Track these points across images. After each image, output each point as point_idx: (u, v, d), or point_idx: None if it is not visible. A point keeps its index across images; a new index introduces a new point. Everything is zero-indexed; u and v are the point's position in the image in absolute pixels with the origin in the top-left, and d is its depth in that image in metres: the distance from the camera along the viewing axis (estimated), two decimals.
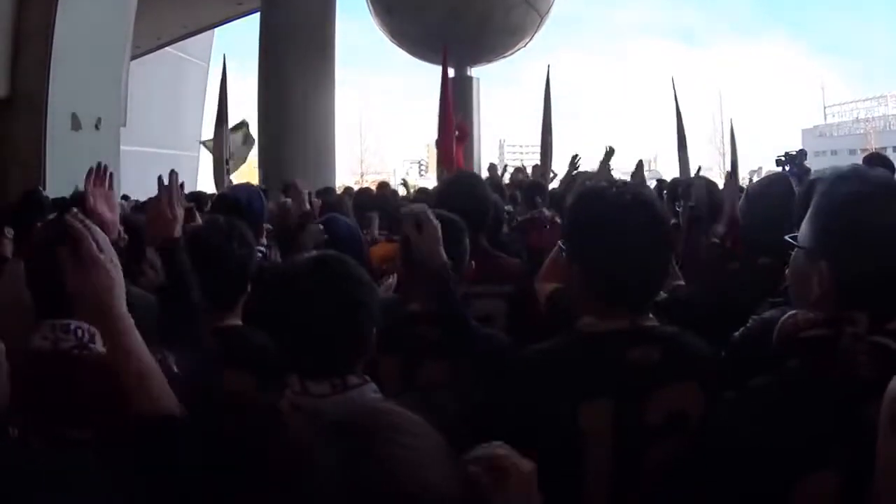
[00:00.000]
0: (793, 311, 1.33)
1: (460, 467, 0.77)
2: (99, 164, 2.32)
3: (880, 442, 0.94)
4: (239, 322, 2.12)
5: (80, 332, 1.69)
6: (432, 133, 8.93)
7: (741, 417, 1.24)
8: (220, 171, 8.93)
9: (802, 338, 1.23)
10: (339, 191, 7.77)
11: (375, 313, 1.51)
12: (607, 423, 1.45)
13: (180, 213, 2.09)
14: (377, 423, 0.71)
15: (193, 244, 2.12)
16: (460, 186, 2.79)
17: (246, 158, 10.51)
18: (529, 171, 7.98)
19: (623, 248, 1.51)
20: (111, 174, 2.33)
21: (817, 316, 1.21)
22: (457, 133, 10.83)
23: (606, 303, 1.56)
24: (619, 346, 1.50)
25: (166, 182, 2.10)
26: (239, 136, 9.98)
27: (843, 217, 1.20)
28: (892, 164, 5.56)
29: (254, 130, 12.78)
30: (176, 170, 2.19)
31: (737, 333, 1.74)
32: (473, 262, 2.30)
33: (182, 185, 2.34)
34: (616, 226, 1.53)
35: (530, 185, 5.24)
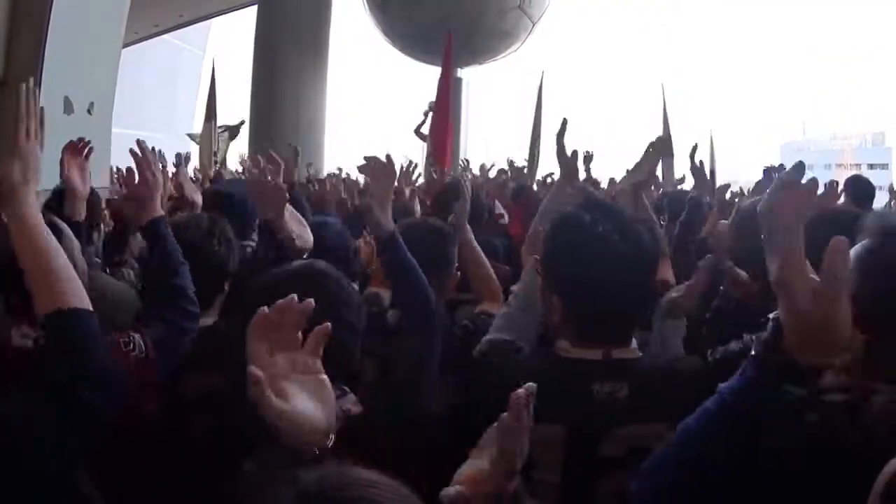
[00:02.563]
0: None
1: None
2: (81, 139, 2.30)
3: None
4: (212, 320, 2.07)
5: None
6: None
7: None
8: (207, 164, 8.89)
9: (827, 400, 1.14)
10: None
11: (358, 327, 1.48)
12: (557, 447, 1.43)
13: (159, 182, 2.02)
14: (354, 497, 0.66)
15: None
16: (451, 192, 2.78)
17: (226, 150, 10.41)
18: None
19: (600, 282, 1.46)
20: (90, 148, 2.30)
21: (842, 381, 1.14)
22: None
23: (581, 334, 1.53)
24: (586, 376, 1.47)
25: (139, 152, 2.00)
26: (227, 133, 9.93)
27: (888, 280, 1.14)
28: (873, 189, 5.65)
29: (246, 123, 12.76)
30: (165, 155, 2.17)
31: (718, 353, 1.65)
32: (459, 273, 2.32)
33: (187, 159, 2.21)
34: (594, 259, 1.47)
35: (518, 190, 5.26)
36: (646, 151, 2.66)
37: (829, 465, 1.08)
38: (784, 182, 0.99)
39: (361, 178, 7.19)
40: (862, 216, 1.61)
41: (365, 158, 2.04)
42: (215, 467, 1.31)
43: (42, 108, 1.51)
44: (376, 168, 2.02)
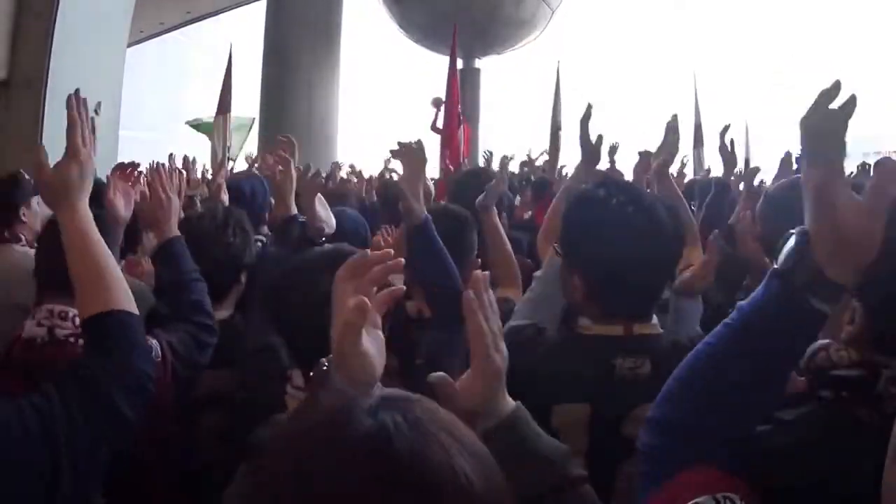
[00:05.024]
0: (823, 342, 1.21)
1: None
2: (132, 163, 2.28)
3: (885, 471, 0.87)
4: (228, 314, 2.08)
5: (78, 320, 1.64)
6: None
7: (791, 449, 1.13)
8: (217, 157, 8.75)
9: (837, 375, 1.15)
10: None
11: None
12: (582, 428, 1.44)
13: (175, 204, 2.04)
14: (424, 404, 0.68)
15: (184, 232, 2.10)
16: (471, 181, 2.77)
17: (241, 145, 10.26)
18: (539, 163, 7.86)
19: (618, 253, 1.48)
20: (139, 172, 2.27)
21: (853, 357, 1.15)
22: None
23: (603, 310, 1.54)
24: (609, 353, 1.47)
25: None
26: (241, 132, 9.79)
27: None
28: None
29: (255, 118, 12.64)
30: (174, 154, 2.12)
31: None
32: (479, 259, 2.28)
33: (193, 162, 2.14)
34: (616, 237, 1.49)
35: (539, 181, 5.18)
36: (666, 132, 2.63)
37: (843, 441, 1.07)
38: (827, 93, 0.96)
39: (375, 173, 7.14)
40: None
41: (399, 144, 2.05)
42: (221, 466, 1.32)
43: (93, 119, 1.54)
44: (408, 154, 2.01)
